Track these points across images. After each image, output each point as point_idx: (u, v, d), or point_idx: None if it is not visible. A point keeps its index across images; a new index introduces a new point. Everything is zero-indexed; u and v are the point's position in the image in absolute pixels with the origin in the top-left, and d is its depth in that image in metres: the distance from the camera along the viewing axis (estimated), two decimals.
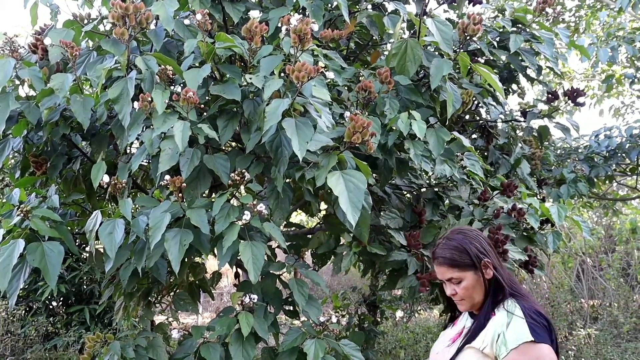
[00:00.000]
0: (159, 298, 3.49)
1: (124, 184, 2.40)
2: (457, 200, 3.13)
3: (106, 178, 2.43)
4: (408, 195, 3.35)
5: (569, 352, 4.05)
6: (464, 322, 2.04)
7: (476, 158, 3.00)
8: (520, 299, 1.94)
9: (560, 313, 7.58)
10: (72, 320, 5.51)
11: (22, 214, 2.51)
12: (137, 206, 2.57)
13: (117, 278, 2.89)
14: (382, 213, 2.94)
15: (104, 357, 2.64)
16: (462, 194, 3.23)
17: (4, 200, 2.81)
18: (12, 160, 3.82)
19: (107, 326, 5.51)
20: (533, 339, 1.79)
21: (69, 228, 2.79)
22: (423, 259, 2.80)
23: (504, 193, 3.14)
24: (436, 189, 3.21)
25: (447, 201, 3.30)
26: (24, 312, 5.77)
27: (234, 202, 2.34)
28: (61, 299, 5.82)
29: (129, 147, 3.33)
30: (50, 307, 5.99)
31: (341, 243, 3.01)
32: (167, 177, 2.27)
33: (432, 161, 2.73)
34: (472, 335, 1.90)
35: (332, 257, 3.17)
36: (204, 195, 2.53)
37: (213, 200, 2.29)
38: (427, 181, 3.36)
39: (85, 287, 5.72)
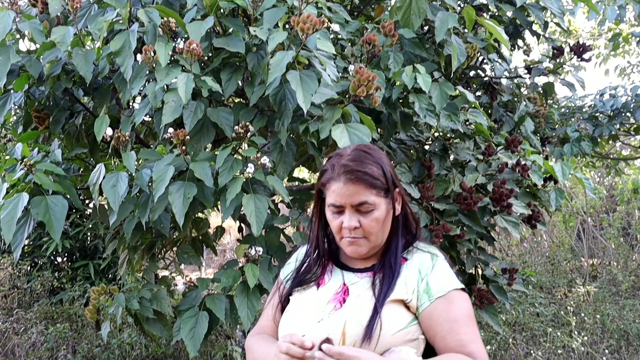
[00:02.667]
0: (162, 253, 3.53)
1: (127, 137, 2.39)
2: (463, 152, 3.11)
3: (109, 131, 2.42)
4: (412, 150, 3.33)
5: (568, 307, 4.11)
6: (339, 278, 1.59)
7: (480, 112, 2.99)
8: (425, 242, 1.64)
9: (560, 271, 7.66)
10: (77, 275, 5.57)
11: (25, 168, 2.51)
12: (140, 160, 2.57)
13: (121, 232, 2.91)
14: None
15: (108, 309, 2.68)
16: (465, 149, 3.22)
17: (7, 156, 2.81)
18: (14, 117, 3.82)
19: (112, 281, 5.57)
20: (463, 287, 1.52)
21: (72, 183, 2.79)
22: (432, 212, 2.80)
23: (508, 148, 3.12)
24: (443, 142, 3.19)
25: (451, 157, 3.29)
26: (29, 267, 5.83)
27: (237, 155, 2.33)
28: (66, 254, 5.88)
29: (131, 102, 3.32)
30: (55, 262, 6.05)
31: None
32: (171, 130, 2.26)
33: (436, 115, 2.71)
34: (388, 286, 1.49)
35: None
36: (207, 149, 2.53)
37: (217, 153, 2.28)
38: (432, 135, 3.34)
39: (89, 242, 5.77)
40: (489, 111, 4.00)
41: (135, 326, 3.88)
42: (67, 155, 3.05)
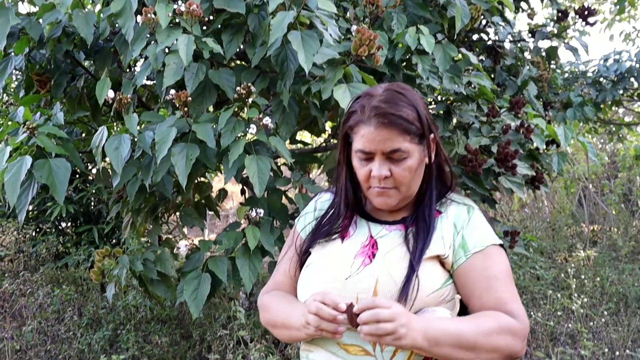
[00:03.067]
0: (166, 217, 3.55)
1: (129, 99, 2.39)
2: (466, 114, 3.10)
3: (111, 93, 2.42)
4: None
5: (569, 270, 4.14)
6: (365, 230, 1.45)
7: (483, 75, 2.97)
8: (459, 194, 1.51)
9: (560, 236, 7.70)
10: (81, 240, 5.63)
11: (28, 132, 2.50)
12: (143, 123, 2.57)
13: (124, 195, 2.92)
14: None
15: (113, 271, 2.71)
16: (469, 112, 3.21)
17: (10, 120, 2.81)
18: (16, 81, 3.81)
19: (116, 245, 5.62)
20: (501, 242, 1.41)
21: (75, 146, 2.80)
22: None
23: (511, 110, 3.12)
24: (446, 105, 3.18)
25: (454, 120, 3.28)
26: (34, 232, 5.89)
27: (239, 117, 2.33)
28: (70, 219, 5.93)
29: (132, 64, 3.31)
30: (60, 227, 6.10)
31: None
32: (173, 91, 2.26)
33: (439, 77, 2.71)
34: (424, 241, 1.36)
35: None
36: (209, 111, 2.53)
37: (219, 114, 2.28)
38: (435, 98, 3.33)
39: (93, 207, 5.81)
40: (492, 75, 3.98)
41: (140, 288, 3.93)
42: (69, 119, 3.05)
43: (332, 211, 1.52)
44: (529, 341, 3.52)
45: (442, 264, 1.37)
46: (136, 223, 2.98)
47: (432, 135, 1.41)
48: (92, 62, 3.23)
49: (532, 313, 3.80)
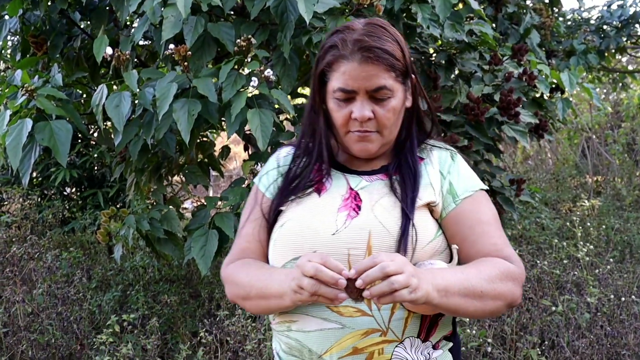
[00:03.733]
0: (169, 177, 3.54)
1: (127, 56, 2.35)
2: (468, 63, 3.07)
3: (109, 51, 2.39)
4: (416, 63, 3.29)
5: (575, 218, 4.16)
6: (342, 182, 1.32)
7: (486, 22, 2.93)
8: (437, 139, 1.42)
9: (564, 187, 7.70)
10: (86, 204, 5.65)
11: (27, 94, 2.48)
12: (143, 81, 2.54)
13: (127, 155, 2.91)
14: None
15: (119, 232, 2.71)
16: (471, 60, 3.17)
17: (8, 84, 2.78)
18: (11, 44, 3.76)
19: (121, 208, 5.65)
20: (487, 188, 1.33)
21: (75, 108, 2.78)
22: (438, 124, 2.79)
23: (514, 57, 3.08)
24: (448, 54, 3.14)
25: (456, 69, 3.25)
26: (39, 199, 5.91)
27: (240, 70, 2.30)
28: (74, 184, 5.94)
29: (129, 22, 3.26)
30: (64, 193, 6.12)
31: None
32: (172, 46, 2.23)
33: (440, 26, 2.66)
34: (413, 188, 1.26)
35: None
36: (209, 66, 2.49)
37: (219, 69, 2.25)
38: (437, 47, 3.29)
39: (96, 171, 5.81)
40: (494, 24, 3.92)
41: (147, 249, 3.95)
42: (68, 81, 3.02)
43: (300, 163, 1.37)
44: (535, 289, 3.55)
45: (432, 212, 1.28)
46: (140, 183, 2.98)
47: (413, 76, 1.31)
48: (88, 21, 3.19)
49: (538, 262, 3.82)
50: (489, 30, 2.92)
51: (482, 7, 3.93)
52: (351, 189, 1.29)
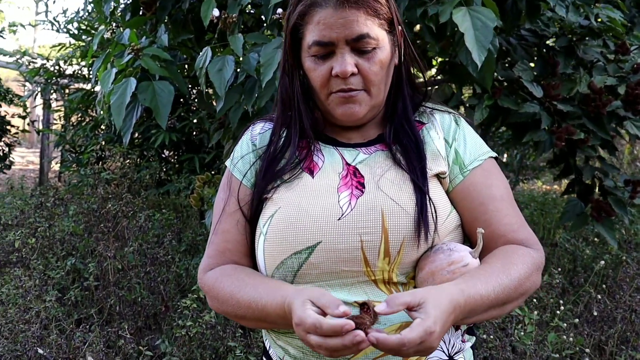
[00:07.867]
0: None
1: (234, 18, 2.28)
2: (591, 50, 2.80)
3: (216, 12, 2.32)
4: (534, 48, 3.04)
5: None
6: (335, 158, 1.13)
7: (618, 5, 2.65)
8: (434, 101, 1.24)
9: None
10: (182, 168, 5.74)
11: (133, 53, 2.49)
12: (248, 46, 2.47)
13: (226, 122, 2.87)
14: (516, 65, 2.69)
15: (212, 199, 2.68)
16: (594, 47, 2.90)
17: (116, 43, 2.79)
18: (122, 4, 3.81)
19: (216, 175, 5.71)
20: (496, 155, 1.18)
21: (178, 70, 2.76)
22: (554, 114, 2.57)
23: None
24: (569, 39, 2.89)
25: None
26: (138, 159, 6.07)
27: None
28: (172, 147, 6.06)
29: None
30: (163, 155, 6.26)
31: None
32: (280, 10, 2.12)
33: (566, 6, 2.42)
34: (419, 157, 1.09)
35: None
36: None
37: None
38: (558, 31, 3.03)
39: (195, 136, 5.89)
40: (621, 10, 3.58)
41: None
42: (174, 43, 3.01)
43: (281, 140, 1.17)
44: None
45: (440, 184, 1.12)
46: None
47: (399, 28, 1.12)
48: None
49: None
50: (618, 15, 2.64)
51: None
52: (348, 164, 1.12)
